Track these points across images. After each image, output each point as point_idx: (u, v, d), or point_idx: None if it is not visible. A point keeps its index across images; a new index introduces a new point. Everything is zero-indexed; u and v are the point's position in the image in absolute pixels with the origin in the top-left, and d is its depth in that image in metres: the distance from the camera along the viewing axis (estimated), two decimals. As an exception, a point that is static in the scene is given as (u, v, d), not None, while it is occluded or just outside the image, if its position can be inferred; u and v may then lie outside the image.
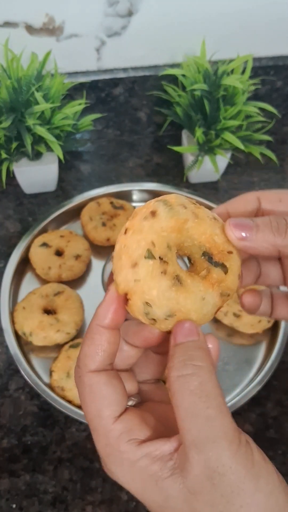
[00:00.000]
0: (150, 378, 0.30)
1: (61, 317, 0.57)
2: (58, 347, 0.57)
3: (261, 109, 0.68)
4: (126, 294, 0.26)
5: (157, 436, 0.24)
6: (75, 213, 0.70)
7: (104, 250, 0.67)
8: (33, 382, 0.53)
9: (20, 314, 0.57)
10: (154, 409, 0.27)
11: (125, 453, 0.23)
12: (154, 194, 0.72)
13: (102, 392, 0.24)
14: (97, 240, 0.66)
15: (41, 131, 0.61)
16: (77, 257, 0.63)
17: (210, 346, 0.26)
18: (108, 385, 0.24)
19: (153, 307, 0.25)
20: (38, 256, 0.63)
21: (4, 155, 0.63)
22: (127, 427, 0.24)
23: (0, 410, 0.53)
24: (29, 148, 0.62)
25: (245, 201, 0.31)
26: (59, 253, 0.64)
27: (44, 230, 0.67)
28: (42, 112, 0.63)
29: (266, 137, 0.70)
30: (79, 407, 0.52)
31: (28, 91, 0.61)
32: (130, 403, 0.27)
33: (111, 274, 0.57)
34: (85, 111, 0.72)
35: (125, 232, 0.27)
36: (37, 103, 0.61)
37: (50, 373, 0.54)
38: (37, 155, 0.67)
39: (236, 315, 0.59)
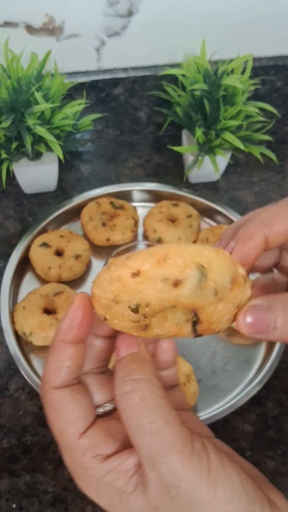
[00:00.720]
0: None
1: (61, 317, 0.56)
2: None
3: (261, 109, 0.68)
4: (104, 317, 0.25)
5: (126, 446, 0.24)
6: (75, 213, 0.70)
7: (104, 250, 0.67)
8: (33, 382, 0.53)
9: (20, 314, 0.57)
10: None
11: (90, 469, 0.23)
12: (154, 194, 0.72)
13: (65, 409, 0.24)
14: (97, 240, 0.66)
15: (41, 131, 0.61)
16: (77, 257, 0.63)
17: (164, 345, 0.25)
18: (72, 402, 0.24)
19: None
20: (38, 256, 0.63)
21: (4, 155, 0.64)
22: (92, 443, 0.23)
23: (0, 410, 0.53)
24: (29, 148, 0.62)
25: (254, 237, 0.28)
26: (59, 253, 0.64)
27: (44, 230, 0.67)
28: (42, 112, 0.63)
29: (266, 137, 0.70)
30: None
31: (28, 91, 0.61)
32: (106, 408, 0.26)
33: None
34: (85, 111, 0.72)
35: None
36: (37, 103, 0.61)
37: None
38: (37, 155, 0.67)
39: None
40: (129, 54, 0.71)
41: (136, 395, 0.22)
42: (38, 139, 0.64)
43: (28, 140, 0.61)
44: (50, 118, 0.64)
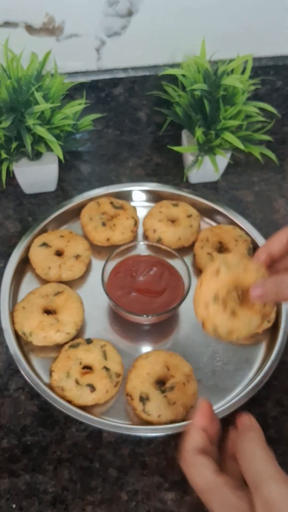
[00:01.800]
0: None
1: (61, 317, 0.57)
2: (58, 347, 0.57)
3: (261, 109, 0.68)
4: (202, 320, 0.44)
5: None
6: (75, 213, 0.70)
7: (104, 250, 0.67)
8: (33, 382, 0.53)
9: (20, 314, 0.57)
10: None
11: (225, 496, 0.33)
12: (154, 194, 0.72)
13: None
14: (97, 240, 0.66)
15: (41, 131, 0.61)
16: (77, 257, 0.63)
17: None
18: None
19: (218, 329, 0.43)
20: (38, 256, 0.63)
21: (4, 155, 0.64)
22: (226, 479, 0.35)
23: (0, 410, 0.53)
24: (29, 148, 0.62)
25: (280, 240, 0.44)
26: (59, 253, 0.64)
27: (44, 230, 0.67)
28: (42, 112, 0.63)
29: (266, 137, 0.70)
30: (79, 407, 0.52)
31: (28, 91, 0.61)
32: None
33: (111, 274, 0.62)
34: (85, 111, 0.72)
35: (200, 286, 0.45)
36: (37, 103, 0.61)
37: (50, 373, 0.54)
38: (37, 155, 0.68)
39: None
40: (129, 54, 0.71)
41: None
42: (38, 139, 0.64)
43: (28, 140, 0.61)
44: (50, 118, 0.64)
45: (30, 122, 0.61)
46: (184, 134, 0.74)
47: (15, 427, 0.51)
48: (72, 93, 0.71)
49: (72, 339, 0.57)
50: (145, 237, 0.69)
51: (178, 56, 0.72)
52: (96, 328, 0.60)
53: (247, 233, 0.68)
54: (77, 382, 0.52)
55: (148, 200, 0.73)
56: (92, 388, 0.52)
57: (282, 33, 0.73)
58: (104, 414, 0.53)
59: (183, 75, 0.68)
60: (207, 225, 0.72)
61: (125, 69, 0.73)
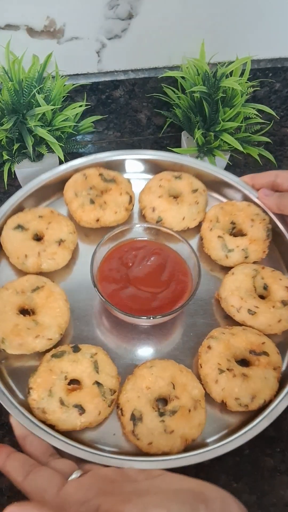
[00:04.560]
0: None
1: (41, 319, 0.47)
2: (38, 356, 0.48)
3: (259, 110, 0.68)
4: (223, 400, 0.45)
5: None
6: (57, 188, 0.59)
7: (93, 233, 0.56)
8: (5, 404, 0.43)
9: None
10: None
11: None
12: (152, 164, 0.63)
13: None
14: (84, 221, 0.56)
15: (42, 132, 0.62)
16: (60, 242, 0.53)
17: None
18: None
19: (241, 398, 0.44)
20: (12, 241, 0.52)
21: (5, 156, 0.64)
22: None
23: (2, 408, 0.53)
24: (30, 149, 0.62)
25: (267, 175, 0.58)
26: (38, 237, 0.54)
27: (19, 209, 0.55)
28: (43, 114, 0.63)
29: (265, 139, 0.70)
30: (64, 433, 0.43)
31: (29, 93, 0.61)
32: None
33: (102, 264, 0.53)
34: (85, 113, 0.72)
35: (201, 366, 0.47)
36: (38, 105, 0.62)
37: (28, 390, 0.44)
38: (38, 156, 0.68)
39: (252, 312, 0.51)
40: (129, 57, 0.72)
41: None
42: (39, 141, 0.65)
43: (29, 141, 0.62)
44: (51, 120, 0.64)
45: (31, 123, 0.61)
46: (184, 136, 0.75)
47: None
48: (73, 95, 0.72)
49: (55, 347, 0.48)
50: (143, 217, 0.59)
51: (177, 58, 0.73)
52: (84, 332, 0.50)
53: (264, 211, 0.58)
54: (62, 403, 0.43)
55: (144, 171, 0.62)
56: (81, 409, 0.43)
57: (281, 36, 0.74)
58: (95, 441, 0.45)
59: (183, 77, 0.69)
60: (216, 201, 0.61)
61: (125, 71, 0.73)
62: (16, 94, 0.61)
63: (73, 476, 0.37)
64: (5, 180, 0.66)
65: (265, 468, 0.49)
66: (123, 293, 0.49)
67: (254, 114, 0.67)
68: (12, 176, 0.70)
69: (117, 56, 0.71)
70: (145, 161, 0.62)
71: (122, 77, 0.73)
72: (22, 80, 0.62)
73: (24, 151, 0.65)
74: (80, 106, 0.67)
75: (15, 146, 0.63)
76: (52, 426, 0.43)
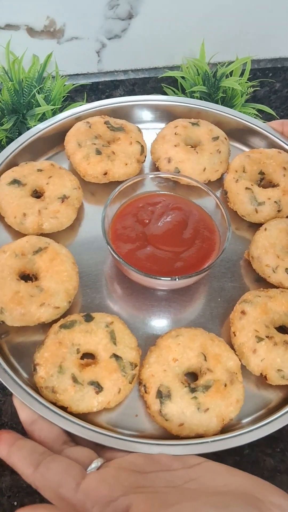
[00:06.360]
0: None
1: (45, 284, 0.41)
2: (44, 328, 0.41)
3: (259, 110, 0.68)
4: (262, 373, 0.39)
5: None
6: (58, 138, 0.52)
7: (101, 188, 0.49)
8: (6, 382, 0.37)
9: None
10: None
11: None
12: (164, 111, 0.56)
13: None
14: (89, 175, 0.48)
15: (42, 132, 0.62)
16: (63, 199, 0.46)
17: None
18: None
19: (284, 370, 0.38)
20: (7, 198, 0.45)
21: (5, 156, 0.64)
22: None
23: (2, 408, 0.53)
24: (30, 149, 0.62)
25: None
26: (37, 194, 0.47)
27: (14, 163, 0.48)
28: (43, 114, 0.63)
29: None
30: (78, 416, 0.37)
31: (29, 93, 0.61)
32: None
33: (114, 221, 0.45)
34: (85, 113, 0.72)
35: (234, 335, 0.40)
36: (38, 105, 0.62)
37: (34, 367, 0.38)
38: (38, 156, 0.68)
39: None
40: (129, 56, 0.72)
41: None
42: (39, 141, 0.65)
43: (29, 141, 0.62)
44: (51, 119, 0.64)
45: (31, 123, 0.61)
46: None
47: (17, 425, 0.51)
48: (73, 95, 0.72)
49: (64, 316, 0.41)
50: (156, 169, 0.51)
51: (177, 58, 0.73)
52: (96, 300, 0.44)
53: None
54: (74, 380, 0.37)
55: (155, 120, 0.56)
56: (98, 387, 0.37)
57: (281, 36, 0.74)
58: (115, 424, 0.39)
59: (183, 77, 0.69)
60: (238, 151, 0.54)
61: (125, 71, 0.73)
62: (16, 94, 0.61)
63: (93, 465, 0.31)
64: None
65: (265, 468, 0.49)
66: (141, 253, 0.42)
67: (254, 114, 0.67)
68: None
69: (117, 56, 0.71)
70: (155, 108, 0.55)
71: (122, 77, 0.73)
72: (22, 80, 0.62)
73: (24, 151, 0.65)
74: (80, 106, 0.67)
75: (15, 146, 0.63)
76: (64, 408, 0.37)
